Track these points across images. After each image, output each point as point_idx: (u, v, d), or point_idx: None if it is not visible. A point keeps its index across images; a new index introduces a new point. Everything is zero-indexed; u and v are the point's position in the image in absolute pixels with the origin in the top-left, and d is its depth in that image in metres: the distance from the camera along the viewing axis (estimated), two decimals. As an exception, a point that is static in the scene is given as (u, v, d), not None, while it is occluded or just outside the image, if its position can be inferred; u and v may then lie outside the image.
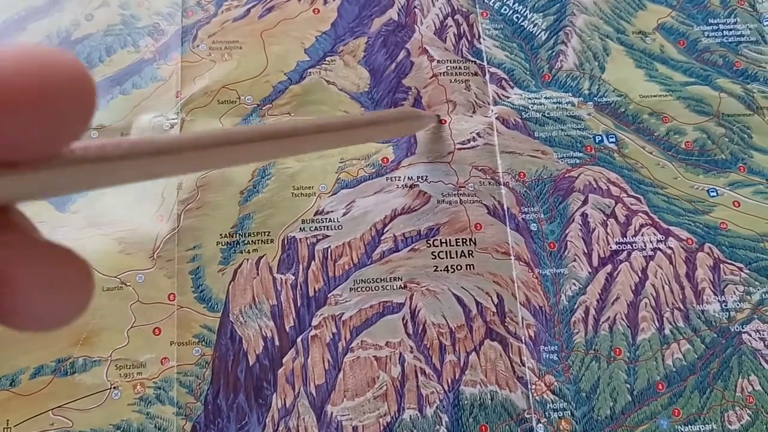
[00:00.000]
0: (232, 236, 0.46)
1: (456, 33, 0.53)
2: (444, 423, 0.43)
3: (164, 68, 0.51)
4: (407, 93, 0.51)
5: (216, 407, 0.43)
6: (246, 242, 0.46)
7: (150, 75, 0.51)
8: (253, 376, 0.44)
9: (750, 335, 0.46)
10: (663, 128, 0.52)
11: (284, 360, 0.44)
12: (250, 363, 0.44)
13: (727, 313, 0.47)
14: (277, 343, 0.45)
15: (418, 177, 0.49)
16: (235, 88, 0.50)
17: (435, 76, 0.52)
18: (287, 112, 0.50)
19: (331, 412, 0.43)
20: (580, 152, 0.51)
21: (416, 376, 0.44)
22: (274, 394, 0.44)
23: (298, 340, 0.45)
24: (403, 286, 0.46)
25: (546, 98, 0.52)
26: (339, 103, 0.51)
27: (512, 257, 0.47)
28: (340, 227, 0.47)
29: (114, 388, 0.43)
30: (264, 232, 0.47)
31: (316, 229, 0.47)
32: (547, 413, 0.44)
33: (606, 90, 0.53)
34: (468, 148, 0.50)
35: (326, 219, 0.47)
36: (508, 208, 0.49)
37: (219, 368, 0.44)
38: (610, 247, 0.48)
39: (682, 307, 0.47)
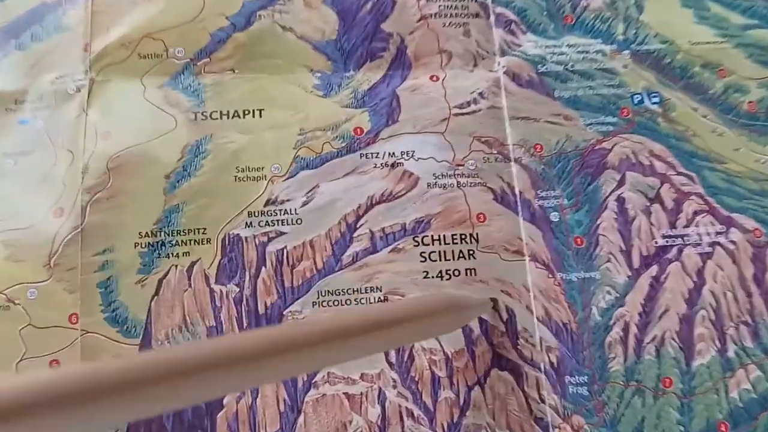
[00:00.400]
0: (156, 235, 0.35)
1: (451, -38, 0.40)
2: (438, 481, 0.32)
3: (71, 15, 0.39)
4: (387, 41, 0.39)
5: (135, 465, 0.32)
6: (174, 243, 0.35)
7: (53, 24, 0.39)
8: (183, 423, 0.33)
9: (837, 355, 0.35)
10: (720, 84, 0.40)
11: (225, 400, 0.33)
12: (181, 404, 0.33)
13: (809, 327, 0.36)
14: (215, 377, 0.33)
15: (402, 153, 0.37)
16: (162, 37, 0.38)
17: (424, 18, 0.40)
18: (230, 67, 0.38)
19: (289, 470, 0.32)
20: (614, 117, 0.39)
21: (401, 420, 0.33)
22: (213, 445, 0.32)
23: (244, 373, 0.33)
24: (383, 298, 0.35)
25: (569, 46, 0.40)
26: (298, 56, 0.38)
27: (527, 258, 0.36)
28: (299, 221, 0.35)
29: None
30: (198, 230, 0.35)
31: (267, 224, 0.35)
32: (574, 465, 0.33)
33: (646, 35, 0.41)
34: (467, 113, 0.38)
35: (281, 210, 0.36)
36: (520, 193, 0.37)
37: (139, 412, 0.32)
38: (656, 243, 0.37)
39: (750, 321, 0.36)
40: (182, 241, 0.35)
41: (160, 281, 0.35)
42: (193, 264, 0.35)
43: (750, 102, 0.40)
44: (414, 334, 0.28)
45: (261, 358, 0.18)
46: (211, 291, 0.35)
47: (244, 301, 0.35)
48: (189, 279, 0.35)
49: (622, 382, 0.34)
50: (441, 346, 0.34)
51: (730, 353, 0.35)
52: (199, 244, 0.35)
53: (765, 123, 0.39)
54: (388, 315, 0.24)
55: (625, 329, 0.35)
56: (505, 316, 0.35)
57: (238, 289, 0.35)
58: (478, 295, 0.35)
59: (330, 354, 0.22)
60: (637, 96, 0.39)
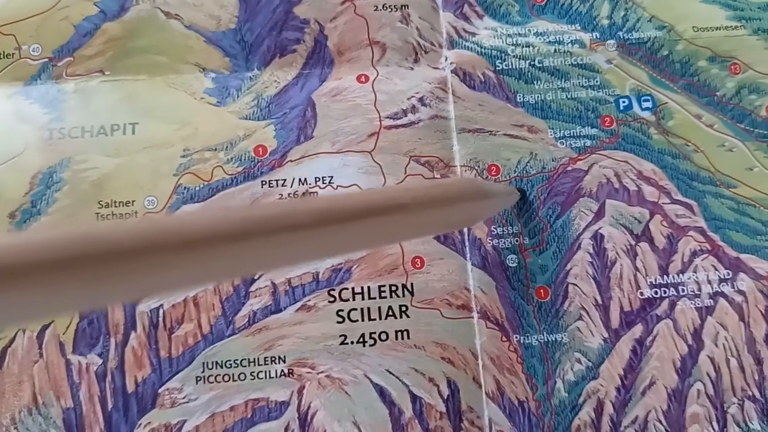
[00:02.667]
0: (-2, 290, 0.27)
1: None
2: None
3: None
4: (302, 31, 0.31)
5: None
6: (21, 300, 0.27)
7: None
8: None
9: None
10: (731, 83, 0.31)
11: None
12: (31, 507, 0.26)
13: (835, 403, 0.28)
14: (74, 473, 0.26)
15: (316, 179, 0.29)
16: (13, 32, 0.30)
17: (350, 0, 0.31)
18: (98, 68, 0.30)
19: None
20: (593, 128, 0.30)
21: None
22: None
23: (110, 467, 0.26)
24: (287, 372, 0.27)
25: (537, 35, 0.31)
26: (187, 51, 0.30)
27: (475, 315, 0.28)
28: (179, 272, 0.27)
29: None
30: (50, 283, 0.27)
31: (137, 276, 0.27)
32: None
33: (638, 19, 0.32)
34: (403, 125, 0.30)
35: (156, 258, 0.27)
36: (469, 230, 0.29)
37: None
38: (641, 294, 0.29)
39: (758, 396, 0.28)
40: (31, 298, 0.27)
41: (4, 350, 0.27)
42: (44, 328, 0.27)
43: (770, 106, 0.31)
44: (434, 223, 0.24)
45: (268, 237, 0.15)
46: (68, 363, 0.27)
47: (109, 376, 0.27)
48: (40, 348, 0.27)
49: (592, 479, 0.27)
50: (361, 432, 0.27)
51: (733, 438, 0.27)
52: (51, 302, 0.27)
53: (788, 133, 0.31)
54: (409, 197, 0.21)
55: (599, 409, 0.28)
56: (445, 391, 0.28)
57: (101, 361, 0.27)
58: (411, 363, 0.27)
59: (336, 239, 0.18)
60: (623, 100, 0.31)
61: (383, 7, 0.31)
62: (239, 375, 0.27)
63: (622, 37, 0.32)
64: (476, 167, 0.30)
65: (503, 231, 0.29)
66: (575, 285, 0.29)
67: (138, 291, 0.14)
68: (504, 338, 0.28)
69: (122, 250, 0.12)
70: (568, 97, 0.31)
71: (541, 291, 0.29)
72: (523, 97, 0.31)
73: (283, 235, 0.16)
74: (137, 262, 0.12)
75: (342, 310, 0.28)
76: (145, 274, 0.13)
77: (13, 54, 0.30)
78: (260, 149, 0.29)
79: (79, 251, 0.11)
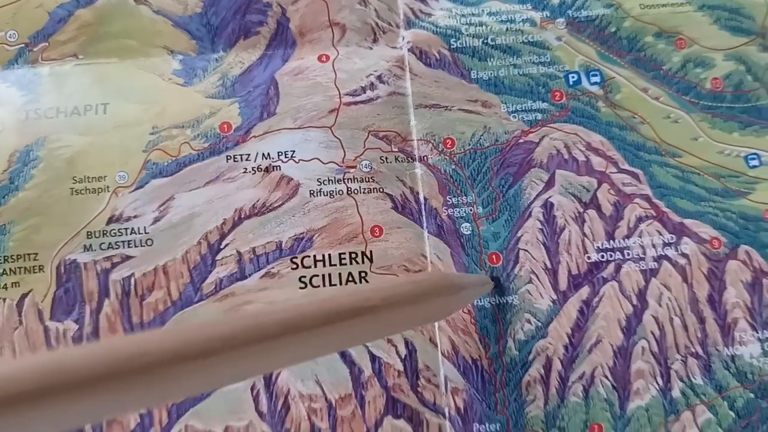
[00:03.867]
0: (-21, 262, 0.29)
1: None
2: None
3: None
4: (265, 14, 0.32)
5: None
6: (1, 272, 0.29)
7: None
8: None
9: (808, 391, 0.29)
10: (677, 58, 0.33)
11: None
12: (13, 465, 0.27)
13: (773, 358, 0.29)
14: None
15: (279, 153, 0.30)
16: (-10, 17, 0.31)
17: (310, -17, 0.32)
18: (73, 53, 0.31)
19: None
20: (543, 102, 0.32)
21: (274, 480, 0.28)
22: None
23: (87, 426, 0.28)
24: (252, 334, 0.28)
25: (490, 14, 0.33)
26: (155, 35, 0.32)
27: (431, 279, 0.29)
28: (149, 242, 0.29)
29: None
30: (29, 255, 0.29)
31: (110, 246, 0.29)
32: None
33: (587, -2, 0.33)
34: (362, 101, 0.31)
35: (127, 230, 0.29)
36: (426, 200, 0.31)
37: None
38: (588, 258, 0.30)
39: (700, 353, 0.29)
40: (10, 269, 0.29)
41: (-16, 318, 0.29)
42: (23, 297, 0.29)
43: (714, 78, 0.33)
44: (406, 321, 0.24)
45: (232, 352, 0.15)
46: (46, 329, 0.29)
47: (85, 341, 0.29)
48: (19, 315, 0.29)
49: (541, 430, 0.28)
50: (323, 391, 0.29)
51: (675, 392, 0.29)
52: (30, 272, 0.29)
53: (732, 105, 0.32)
54: (379, 298, 0.21)
55: (547, 366, 0.29)
56: (403, 352, 0.29)
57: (77, 327, 0.29)
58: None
59: (307, 346, 0.18)
60: (572, 75, 0.32)
61: (343, -11, 0.33)
62: (207, 338, 0.29)
63: (571, 15, 0.33)
64: (432, 141, 0.31)
65: (458, 201, 0.31)
66: (526, 251, 0.30)
67: (100, 414, 0.14)
68: (458, 301, 0.30)
69: (85, 380, 0.12)
70: (520, 73, 0.32)
71: (494, 257, 0.30)
72: (477, 74, 0.32)
73: (252, 348, 0.16)
74: (101, 390, 0.12)
75: (304, 277, 0.30)
76: (109, 399, 0.13)
77: (-10, 40, 0.31)
78: (225, 126, 0.31)
79: (43, 384, 0.12)
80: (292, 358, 0.19)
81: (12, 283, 0.29)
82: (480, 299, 0.30)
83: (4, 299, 0.29)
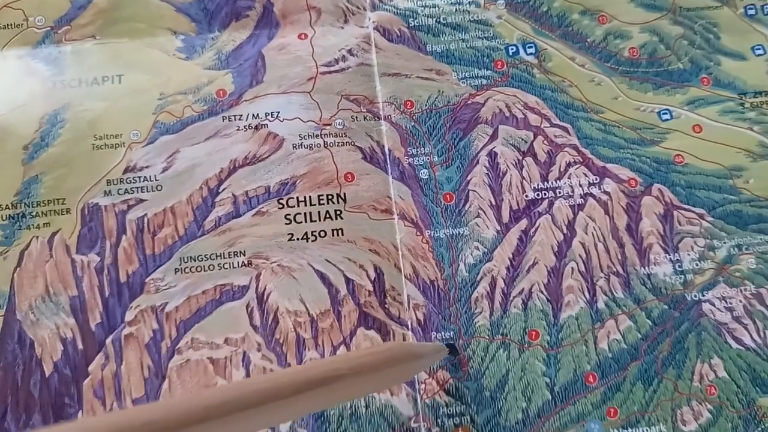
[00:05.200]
0: (16, 207, 0.34)
1: None
2: (303, 441, 0.32)
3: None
4: (253, 0, 0.38)
5: (2, 434, 0.32)
6: (34, 214, 0.34)
7: None
8: (50, 390, 0.33)
9: (713, 305, 0.35)
10: (599, 31, 0.39)
11: (90, 368, 0.33)
12: (47, 373, 0.33)
13: (682, 277, 0.35)
14: (80, 346, 0.33)
15: (266, 114, 0.36)
16: (21, 7, 0.37)
17: (290, -26, 0.38)
18: (91, 34, 0.37)
19: (154, 435, 0.32)
20: (487, 70, 0.38)
21: (266, 382, 0.33)
22: (80, 412, 0.33)
23: (108, 341, 0.33)
24: (246, 263, 0.34)
25: (442, -2, 0.39)
26: (160, 18, 0.38)
27: (395, 216, 0.35)
28: (159, 188, 0.35)
29: None
30: (57, 200, 0.35)
31: (126, 192, 0.35)
32: (439, 420, 0.33)
33: (524, -17, 0.39)
34: (336, 71, 0.37)
35: (140, 178, 0.35)
36: (390, 151, 0.36)
37: (5, 382, 0.33)
38: (526, 196, 0.36)
39: (621, 272, 0.35)
40: (42, 212, 0.35)
41: (21, 253, 0.34)
42: (53, 235, 0.35)
43: (632, 48, 0.39)
44: (369, 386, 0.27)
45: (216, 420, 0.18)
46: (72, 261, 0.34)
47: (106, 270, 0.34)
48: (50, 250, 0.34)
49: (487, 337, 0.34)
50: (306, 308, 0.34)
51: (600, 304, 0.35)
52: (59, 214, 0.35)
53: (647, 69, 0.39)
54: (345, 368, 0.24)
55: (492, 284, 0.35)
56: (372, 275, 0.35)
57: (99, 259, 0.34)
58: (344, 254, 0.34)
59: (284, 410, 0.21)
60: (512, 47, 0.38)
61: (318, -21, 0.39)
62: (209, 266, 0.35)
63: (510, -3, 0.39)
64: (395, 102, 0.37)
65: (417, 151, 0.37)
66: (474, 191, 0.36)
67: None
68: (418, 233, 0.36)
69: None
70: (468, 46, 0.38)
71: (447, 196, 0.36)
72: (432, 47, 0.38)
73: (234, 416, 0.18)
74: None
75: (289, 215, 0.35)
76: None
77: (21, 24, 0.37)
78: (221, 92, 0.37)
79: None
80: (271, 421, 0.22)
81: (43, 223, 0.35)
82: (436, 232, 0.35)
83: (37, 237, 0.35)
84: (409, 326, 0.34)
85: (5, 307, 0.34)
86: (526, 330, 0.34)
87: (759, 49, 0.39)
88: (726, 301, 0.35)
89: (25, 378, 0.33)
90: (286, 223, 0.35)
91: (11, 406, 0.32)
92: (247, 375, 0.33)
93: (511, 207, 0.36)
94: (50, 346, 0.33)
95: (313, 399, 0.22)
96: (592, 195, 0.36)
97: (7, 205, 0.35)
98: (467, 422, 0.33)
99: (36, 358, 0.33)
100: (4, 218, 0.34)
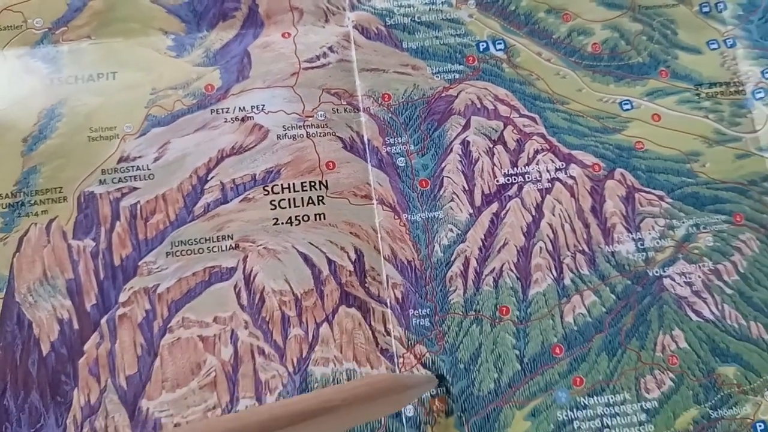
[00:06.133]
0: (15, 196, 0.36)
1: None
2: (289, 413, 0.34)
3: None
4: (239, 1, 0.41)
5: (2, 409, 0.34)
6: (33, 202, 0.36)
7: None
8: (47, 369, 0.35)
9: (673, 280, 0.37)
10: (564, 28, 0.41)
11: (86, 347, 0.35)
12: (44, 352, 0.35)
13: (644, 254, 0.38)
14: (75, 326, 0.35)
15: (252, 107, 0.39)
16: (21, 9, 0.40)
17: (274, -23, 0.41)
18: (87, 35, 0.39)
19: (147, 408, 0.34)
20: (460, 65, 0.40)
21: (253, 358, 0.35)
22: (75, 389, 0.35)
23: (103, 321, 0.35)
24: (234, 246, 0.36)
25: (416, -1, 0.42)
26: (152, 20, 0.40)
27: (374, 201, 0.38)
28: (151, 176, 0.37)
29: None
30: (55, 189, 0.37)
31: (120, 180, 0.37)
32: (417, 392, 0.35)
33: (493, -15, 0.42)
34: (317, 66, 0.40)
35: (133, 167, 0.37)
36: (369, 141, 0.39)
37: (4, 361, 0.35)
38: (497, 181, 0.38)
39: (586, 250, 0.37)
40: (40, 200, 0.37)
41: (20, 239, 0.36)
42: (51, 221, 0.37)
43: (594, 44, 0.41)
44: (360, 416, 0.28)
45: None
46: (69, 246, 0.36)
47: (100, 255, 0.36)
48: (48, 236, 0.36)
49: (461, 313, 0.36)
50: (290, 287, 0.36)
51: (567, 281, 0.37)
52: (56, 202, 0.37)
53: (609, 63, 0.41)
54: (337, 399, 0.25)
55: (466, 263, 0.37)
56: (353, 256, 0.37)
57: (94, 244, 0.36)
58: (326, 237, 0.36)
59: None
60: (482, 44, 0.41)
61: (300, -18, 0.41)
62: (198, 249, 0.37)
63: (480, -3, 0.42)
64: (373, 95, 0.40)
65: (394, 141, 0.39)
66: (449, 177, 0.39)
67: None
68: (396, 217, 0.38)
69: None
70: (441, 43, 0.41)
71: (423, 182, 0.39)
72: (407, 44, 0.41)
73: None
74: None
75: (274, 200, 0.38)
76: None
77: (21, 26, 0.39)
78: (209, 87, 0.39)
79: None
80: None
81: (41, 211, 0.37)
82: (413, 215, 0.38)
83: (36, 224, 0.37)
84: (388, 304, 0.36)
85: (5, 290, 0.36)
86: (498, 306, 0.37)
87: (713, 43, 0.42)
88: (686, 277, 0.37)
89: (24, 357, 0.35)
90: (271, 209, 0.37)
91: (10, 384, 0.34)
92: (236, 353, 0.35)
93: (483, 191, 0.38)
94: (47, 326, 0.35)
95: (306, 430, 0.22)
96: (558, 179, 0.39)
97: (6, 194, 0.37)
98: (443, 393, 0.35)
99: (34, 338, 0.35)
100: (4, 206, 0.36)
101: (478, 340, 0.36)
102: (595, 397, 0.35)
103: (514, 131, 0.39)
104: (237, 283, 0.36)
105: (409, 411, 0.35)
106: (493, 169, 0.39)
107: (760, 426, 0.35)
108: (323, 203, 0.38)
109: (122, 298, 0.36)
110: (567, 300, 0.37)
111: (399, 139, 0.39)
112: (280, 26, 0.41)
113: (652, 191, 0.39)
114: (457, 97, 0.40)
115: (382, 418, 0.35)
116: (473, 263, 0.37)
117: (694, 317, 0.37)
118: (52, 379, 0.35)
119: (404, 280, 0.37)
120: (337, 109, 0.39)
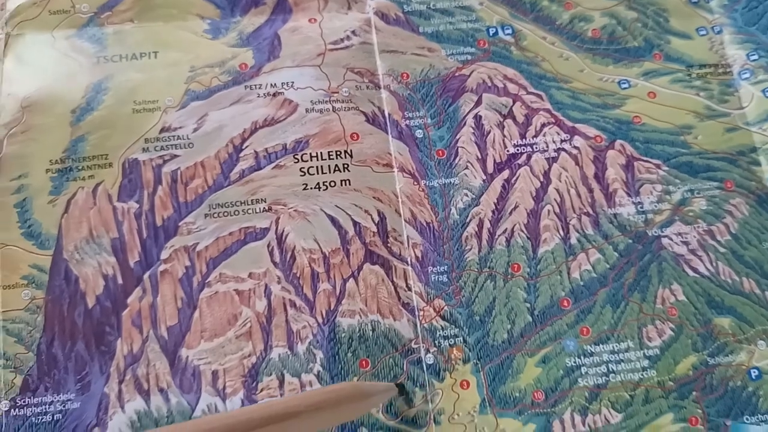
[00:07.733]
0: (64, 162, 0.39)
1: None
2: (319, 360, 0.37)
3: (-11, -20, 0.43)
4: (269, -10, 0.44)
5: (51, 357, 0.37)
6: (80, 168, 0.39)
7: (-26, -11, 0.43)
8: (93, 321, 0.37)
9: (671, 239, 0.41)
10: (566, 15, 0.45)
11: (129, 300, 0.38)
12: (89, 305, 0.37)
13: (644, 216, 0.41)
14: (119, 281, 0.38)
15: (282, 83, 0.42)
16: (68, -5, 0.43)
17: (301, -32, 0.45)
18: (129, 19, 0.43)
19: (187, 356, 0.37)
20: (471, 47, 0.44)
21: (285, 310, 0.38)
22: (119, 339, 0.37)
23: (145, 276, 0.38)
24: (267, 208, 0.39)
25: (431, -12, 0.45)
26: (190, 6, 0.44)
27: (395, 169, 0.41)
28: (190, 145, 0.40)
29: None
30: (101, 156, 0.40)
31: (162, 148, 0.40)
32: (436, 341, 0.38)
33: (501, -23, 0.46)
34: (341, 48, 0.43)
35: (174, 137, 0.40)
36: (389, 114, 0.42)
37: (53, 313, 0.37)
38: (507, 151, 0.42)
39: (591, 212, 0.41)
40: (87, 166, 0.40)
41: (68, 201, 0.39)
42: (97, 185, 0.40)
43: (594, 29, 0.45)
44: (324, 422, 0.30)
45: None
46: (114, 208, 0.39)
47: (143, 216, 0.39)
48: (94, 198, 0.39)
49: (476, 269, 0.39)
50: (319, 246, 0.39)
51: (573, 240, 0.40)
52: (102, 168, 0.40)
53: (607, 47, 0.45)
54: (302, 405, 0.26)
55: (480, 225, 0.40)
56: (376, 219, 0.40)
57: (137, 206, 0.39)
58: (351, 201, 0.39)
59: None
60: (492, 29, 0.45)
61: (325, -27, 0.45)
62: (234, 211, 0.40)
63: (489, -12, 0.46)
64: (393, 74, 0.43)
65: (413, 115, 0.43)
66: (463, 147, 0.42)
67: None
68: (415, 183, 0.41)
69: None
70: (454, 28, 0.45)
71: (440, 152, 0.42)
72: (424, 29, 0.45)
73: None
74: None
75: (303, 168, 0.41)
76: None
77: (69, 11, 0.43)
78: (243, 65, 0.43)
79: None
80: None
81: (88, 176, 0.40)
82: (431, 181, 0.41)
83: (83, 187, 0.40)
84: (409, 262, 0.39)
85: (54, 248, 0.38)
86: (510, 263, 0.40)
87: (702, 30, 0.45)
88: (682, 236, 0.41)
89: (71, 310, 0.38)
90: (300, 175, 0.41)
91: (58, 334, 0.37)
92: (269, 306, 0.38)
93: (494, 160, 0.42)
94: (93, 281, 0.38)
95: None
96: (564, 149, 0.42)
97: (56, 160, 0.40)
98: (460, 342, 0.38)
99: (80, 292, 0.38)
100: (53, 171, 0.40)
101: (492, 294, 0.39)
102: (600, 345, 0.38)
103: (522, 107, 0.43)
104: (270, 242, 0.39)
105: (429, 359, 0.38)
106: (503, 140, 0.42)
107: (754, 372, 0.38)
108: (348, 170, 0.41)
109: (164, 255, 0.39)
110: (573, 257, 0.40)
111: (417, 113, 0.42)
112: (307, 12, 0.44)
113: (650, 160, 0.42)
114: (469, 76, 0.43)
115: (404, 366, 0.38)
116: (487, 224, 0.40)
117: (690, 273, 0.40)
118: (96, 330, 0.37)
119: (423, 240, 0.40)
120: (360, 86, 0.42)
